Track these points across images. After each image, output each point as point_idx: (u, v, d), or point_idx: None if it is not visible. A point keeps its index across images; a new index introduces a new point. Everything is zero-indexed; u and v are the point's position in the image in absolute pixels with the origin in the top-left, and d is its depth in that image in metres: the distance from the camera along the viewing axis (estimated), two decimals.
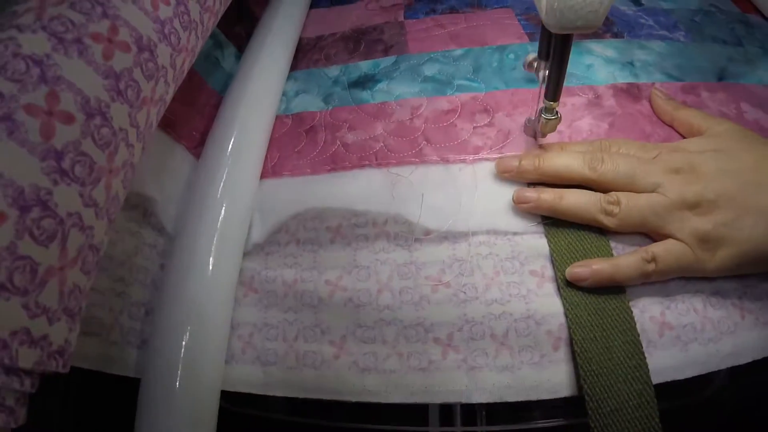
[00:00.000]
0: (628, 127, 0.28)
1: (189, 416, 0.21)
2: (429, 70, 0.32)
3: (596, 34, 0.34)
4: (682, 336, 0.22)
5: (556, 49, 0.21)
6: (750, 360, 0.22)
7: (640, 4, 0.37)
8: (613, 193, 0.23)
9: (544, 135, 0.26)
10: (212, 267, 0.23)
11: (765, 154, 0.23)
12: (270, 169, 0.29)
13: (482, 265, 0.23)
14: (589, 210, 0.23)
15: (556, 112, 0.24)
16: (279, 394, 0.23)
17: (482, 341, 0.22)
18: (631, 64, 0.32)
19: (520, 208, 0.24)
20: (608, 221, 0.23)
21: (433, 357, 0.22)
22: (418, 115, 0.29)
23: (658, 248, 0.22)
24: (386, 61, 0.33)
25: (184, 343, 0.21)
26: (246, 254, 0.26)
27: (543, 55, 0.23)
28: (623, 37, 0.34)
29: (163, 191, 0.26)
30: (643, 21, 0.35)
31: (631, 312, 0.22)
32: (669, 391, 0.21)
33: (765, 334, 0.22)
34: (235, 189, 0.26)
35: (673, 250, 0.22)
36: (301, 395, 0.22)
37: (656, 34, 0.34)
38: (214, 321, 0.23)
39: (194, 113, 0.30)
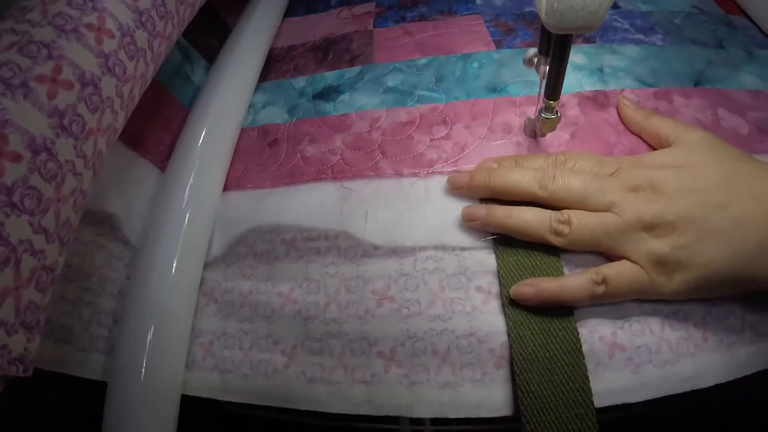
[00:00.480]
0: (592, 138, 0.27)
1: (151, 415, 0.22)
2: (392, 80, 0.32)
3: None
4: (635, 358, 0.21)
5: (555, 49, 0.21)
6: (713, 384, 0.21)
7: (617, 7, 0.36)
8: (564, 211, 0.22)
9: (543, 134, 0.26)
10: (173, 276, 0.24)
11: (734, 167, 0.22)
12: (234, 182, 0.29)
13: (428, 281, 0.23)
14: (538, 229, 0.22)
15: (556, 111, 0.24)
16: (235, 400, 0.23)
17: (424, 357, 0.22)
18: (600, 70, 0.31)
19: (469, 225, 0.24)
20: (557, 241, 0.22)
21: (376, 370, 0.22)
22: (377, 127, 0.29)
23: (610, 270, 0.21)
24: (351, 72, 0.33)
25: (146, 347, 0.22)
26: (207, 265, 0.26)
27: (544, 51, 0.23)
28: (595, 41, 0.33)
29: (127, 207, 0.26)
30: (618, 24, 0.34)
31: (577, 333, 0.21)
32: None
33: (729, 357, 0.21)
34: (198, 202, 0.26)
35: (626, 273, 0.21)
36: (255, 402, 0.23)
37: (631, 38, 0.33)
38: (175, 327, 0.24)
39: (161, 128, 0.30)
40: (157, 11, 0.24)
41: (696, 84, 0.30)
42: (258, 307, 0.24)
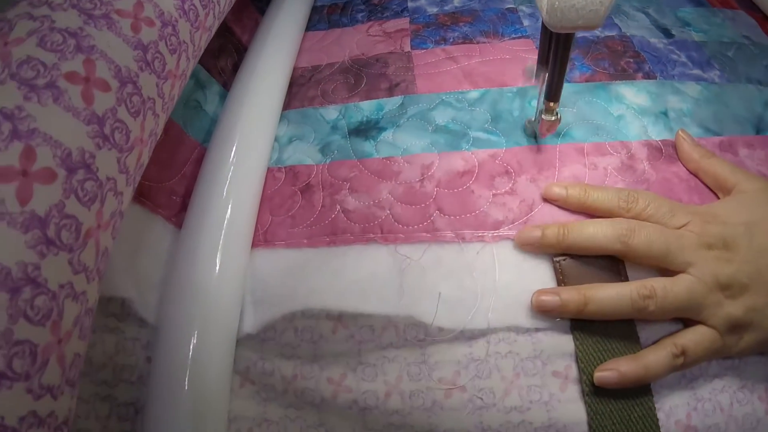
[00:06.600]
0: (664, 196, 0.25)
1: None
2: (441, 116, 0.28)
3: (627, 75, 0.30)
4: None
5: (557, 49, 0.21)
6: None
7: (671, 36, 0.34)
8: (647, 283, 0.21)
9: (542, 136, 0.26)
10: (202, 355, 0.21)
11: None
12: (261, 237, 0.25)
13: (501, 366, 0.21)
14: (621, 310, 0.21)
15: (556, 113, 0.24)
16: None
17: None
18: (665, 114, 0.28)
19: (543, 315, 0.22)
20: (641, 316, 0.21)
21: None
22: (429, 176, 0.26)
23: (687, 341, 0.21)
24: (391, 103, 0.29)
25: None
26: (240, 341, 0.23)
27: (543, 59, 0.23)
28: (656, 77, 0.30)
29: (139, 283, 0.23)
30: (675, 57, 0.32)
31: (657, 421, 0.20)
32: None
33: None
34: (225, 265, 0.23)
35: (704, 342, 0.21)
36: None
37: (690, 73, 0.31)
38: (209, 413, 0.21)
39: (173, 174, 0.26)
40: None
41: (758, 131, 0.29)
42: (305, 393, 0.22)
